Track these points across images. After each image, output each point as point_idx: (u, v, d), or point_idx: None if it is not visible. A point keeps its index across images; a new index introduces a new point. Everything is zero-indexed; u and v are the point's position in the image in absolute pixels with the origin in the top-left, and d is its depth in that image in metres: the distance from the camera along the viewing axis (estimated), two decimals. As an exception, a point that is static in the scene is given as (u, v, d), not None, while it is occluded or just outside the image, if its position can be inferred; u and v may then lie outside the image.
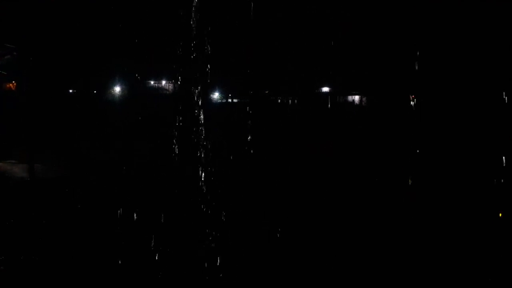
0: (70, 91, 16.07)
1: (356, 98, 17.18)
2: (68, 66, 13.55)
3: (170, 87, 20.32)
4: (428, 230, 7.35)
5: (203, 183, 8.60)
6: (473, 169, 9.21)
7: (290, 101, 17.04)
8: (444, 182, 9.21)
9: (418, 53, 10.01)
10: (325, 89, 17.63)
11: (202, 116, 10.96)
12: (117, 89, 17.20)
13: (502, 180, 8.29)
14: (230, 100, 20.31)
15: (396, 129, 11.23)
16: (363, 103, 16.87)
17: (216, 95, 20.03)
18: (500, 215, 7.66)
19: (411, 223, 7.72)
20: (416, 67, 10.22)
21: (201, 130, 10.77)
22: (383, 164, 10.66)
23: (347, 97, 17.16)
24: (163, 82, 20.12)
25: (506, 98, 8.82)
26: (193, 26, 9.88)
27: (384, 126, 11.83)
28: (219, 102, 20.36)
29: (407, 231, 7.39)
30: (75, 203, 8.44)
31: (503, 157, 8.46)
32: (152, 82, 19.03)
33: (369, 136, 11.90)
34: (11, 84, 14.06)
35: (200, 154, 10.21)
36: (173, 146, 9.90)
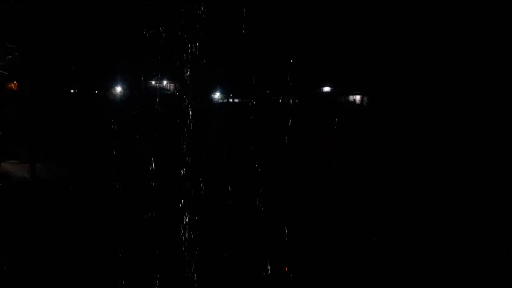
0: (71, 91, 16.15)
1: (356, 98, 17.20)
2: (68, 67, 13.61)
3: (171, 87, 20.38)
4: (426, 228, 7.34)
5: (202, 181, 8.62)
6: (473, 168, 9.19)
7: (291, 100, 17.05)
8: (444, 181, 9.19)
9: (417, 54, 10.01)
10: (326, 88, 17.64)
11: (203, 115, 11.00)
12: (118, 89, 17.25)
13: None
14: (231, 100, 20.33)
15: (396, 128, 11.21)
16: (363, 102, 16.87)
17: (217, 95, 20.07)
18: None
19: (410, 222, 7.70)
20: (416, 68, 10.21)
21: (202, 129, 10.80)
22: (383, 163, 10.64)
23: (346, 97, 17.16)
24: (164, 82, 20.17)
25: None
26: (195, 27, 9.91)
27: (384, 125, 11.81)
28: (220, 102, 20.38)
29: (405, 231, 7.38)
30: (75, 202, 8.48)
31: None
32: (153, 82, 19.10)
33: (369, 135, 11.89)
34: (12, 84, 14.12)
35: (201, 153, 10.24)
36: (174, 146, 9.92)
